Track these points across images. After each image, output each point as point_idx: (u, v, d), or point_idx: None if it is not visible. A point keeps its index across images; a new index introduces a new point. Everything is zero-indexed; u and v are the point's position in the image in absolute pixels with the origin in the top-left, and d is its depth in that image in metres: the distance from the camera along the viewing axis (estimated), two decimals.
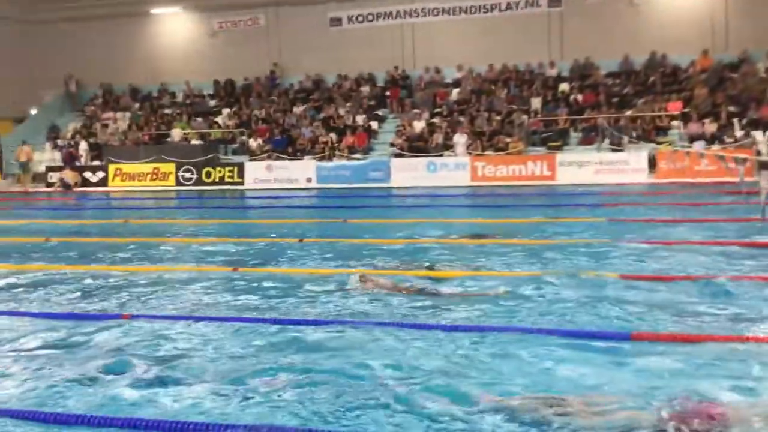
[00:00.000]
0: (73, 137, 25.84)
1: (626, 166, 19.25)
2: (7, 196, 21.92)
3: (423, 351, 5.31)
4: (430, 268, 8.32)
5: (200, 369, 5.24)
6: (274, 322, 6.42)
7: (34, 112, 29.10)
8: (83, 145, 24.49)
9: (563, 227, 11.30)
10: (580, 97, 22.66)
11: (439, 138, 21.67)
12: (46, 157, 24.98)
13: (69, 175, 23.00)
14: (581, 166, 19.55)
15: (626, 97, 22.22)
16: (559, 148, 20.86)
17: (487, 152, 20.94)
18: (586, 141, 21.21)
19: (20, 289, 8.11)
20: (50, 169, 23.80)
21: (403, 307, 6.72)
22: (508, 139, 21.05)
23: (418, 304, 6.76)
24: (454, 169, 20.49)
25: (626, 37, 23.40)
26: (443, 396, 4.36)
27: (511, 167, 20.14)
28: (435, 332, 5.77)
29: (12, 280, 8.64)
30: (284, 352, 5.61)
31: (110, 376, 5.26)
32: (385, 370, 4.91)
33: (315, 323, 6.31)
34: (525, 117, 21.92)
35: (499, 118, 22.20)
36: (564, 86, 23.35)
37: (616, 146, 20.13)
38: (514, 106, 22.60)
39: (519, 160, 20.23)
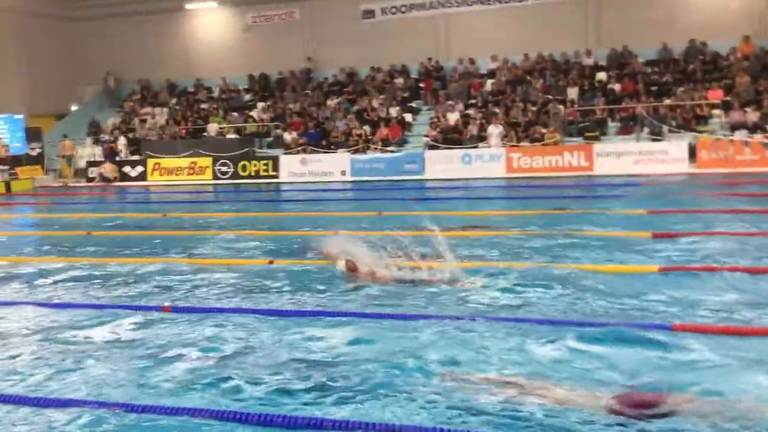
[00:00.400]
0: (112, 132, 26.33)
1: (666, 156, 18.87)
2: (50, 191, 22.46)
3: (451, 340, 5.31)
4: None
5: (238, 360, 5.31)
6: (312, 314, 6.48)
7: (74, 108, 29.72)
8: (122, 140, 24.93)
9: (601, 218, 11.13)
10: (617, 87, 22.27)
11: (473, 129, 21.53)
12: (86, 152, 25.49)
13: (108, 170, 23.47)
14: (619, 157, 19.23)
15: (665, 86, 21.76)
16: (596, 138, 20.55)
17: (522, 143, 20.74)
18: (624, 131, 20.85)
19: (64, 282, 8.32)
20: (91, 164, 24.30)
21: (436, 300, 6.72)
22: (544, 130, 20.81)
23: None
24: (489, 161, 20.34)
25: (665, 24, 22.89)
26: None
27: (547, 158, 19.91)
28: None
29: (56, 272, 8.86)
30: (318, 344, 5.66)
31: (151, 366, 5.37)
32: (430, 363, 4.92)
33: (349, 315, 6.35)
34: (561, 107, 21.64)
35: (534, 108, 21.95)
36: (601, 75, 22.97)
37: (656, 136, 19.75)
38: (550, 96, 22.32)
39: (555, 151, 19.98)
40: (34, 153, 25.46)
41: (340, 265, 7.39)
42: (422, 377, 4.62)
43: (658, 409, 3.84)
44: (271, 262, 8.84)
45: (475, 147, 20.90)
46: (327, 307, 6.76)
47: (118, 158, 24.32)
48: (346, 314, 6.32)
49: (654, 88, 21.71)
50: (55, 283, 8.32)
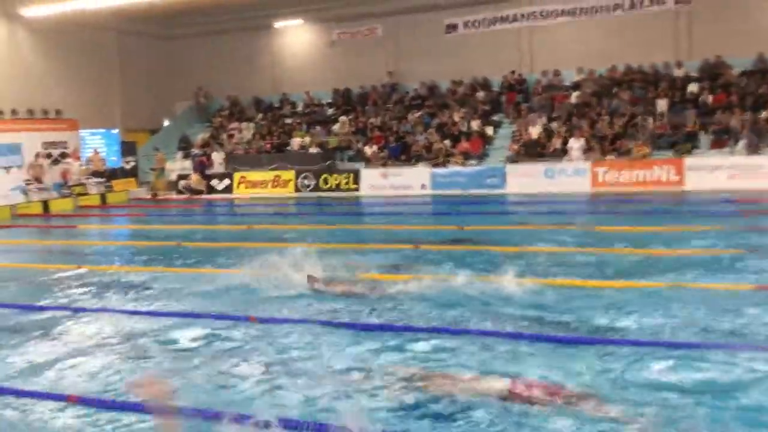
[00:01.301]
0: (202, 147, 27.31)
1: (763, 171, 17.90)
2: (143, 203, 23.48)
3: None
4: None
5: (318, 370, 5.36)
6: (391, 329, 6.48)
7: (167, 123, 31.05)
8: (217, 156, 25.51)
9: (694, 236, 10.66)
10: (710, 98, 21.33)
11: (557, 143, 21.10)
12: (177, 166, 26.50)
13: (195, 181, 24.35)
14: (713, 171, 18.38)
15: (762, 98, 20.67)
16: (687, 152, 19.72)
17: (608, 157, 20.15)
18: (717, 144, 19.93)
19: (156, 291, 8.65)
20: (181, 177, 25.25)
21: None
22: (631, 144, 20.16)
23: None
24: (573, 175, 19.86)
25: (760, 33, 21.80)
26: None
27: (635, 173, 19.25)
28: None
29: (149, 282, 9.23)
30: (395, 357, 5.64)
31: (237, 374, 5.49)
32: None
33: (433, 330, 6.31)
34: (650, 120, 20.90)
35: (621, 121, 21.30)
36: (693, 87, 22.07)
37: (753, 149, 18.77)
38: (639, 109, 21.62)
39: (644, 165, 19.31)
40: (128, 166, 26.72)
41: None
42: None
43: (549, 398, 4.48)
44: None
45: (559, 161, 20.46)
46: (405, 322, 6.75)
47: (207, 172, 25.17)
48: (421, 328, 6.29)
49: (750, 100, 20.66)
50: (147, 291, 8.67)
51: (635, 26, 23.31)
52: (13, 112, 23.83)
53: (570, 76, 24.26)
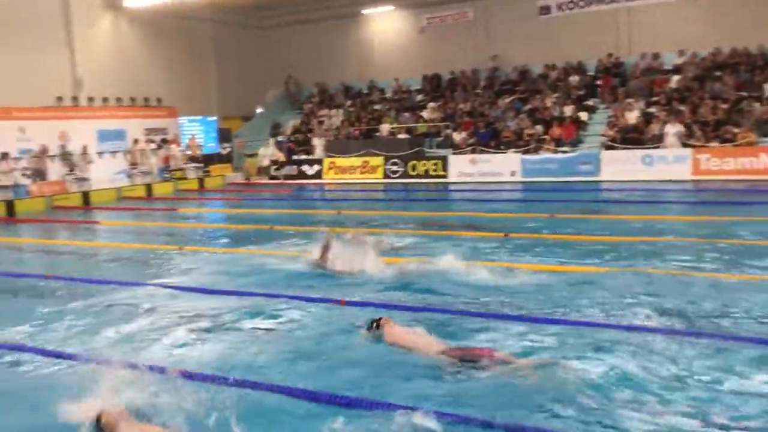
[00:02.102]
0: (292, 133, 27.88)
1: None
2: (238, 187, 24.24)
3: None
4: None
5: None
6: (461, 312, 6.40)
7: (259, 110, 31.87)
8: (318, 141, 25.79)
9: None
10: None
11: (655, 129, 20.22)
12: (269, 152, 27.14)
13: (278, 155, 25.33)
14: None
15: None
16: None
17: (711, 143, 19.14)
18: None
19: (249, 272, 8.90)
20: (273, 162, 25.87)
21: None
22: (736, 130, 19.06)
23: None
24: (673, 162, 19.00)
25: None
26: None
27: (740, 160, 18.22)
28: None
29: (243, 263, 9.51)
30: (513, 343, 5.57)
31: (324, 356, 5.58)
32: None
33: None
34: (756, 105, 19.69)
35: (725, 106, 20.17)
36: None
37: None
38: (744, 93, 20.39)
39: (750, 152, 18.24)
40: (224, 152, 27.63)
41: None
42: None
43: (479, 359, 5.01)
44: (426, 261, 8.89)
45: (657, 147, 19.62)
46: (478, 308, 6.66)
47: (295, 157, 25.68)
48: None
49: None
50: (241, 272, 8.94)
51: (742, 6, 21.98)
52: (118, 99, 25.07)
53: (670, 59, 23.15)
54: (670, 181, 18.06)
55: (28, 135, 21.16)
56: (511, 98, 24.60)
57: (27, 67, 22.20)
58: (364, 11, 29.23)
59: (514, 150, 21.77)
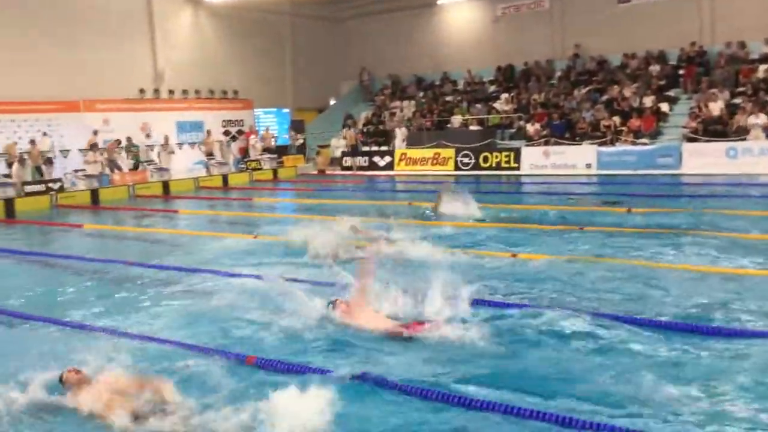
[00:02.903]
0: (364, 125, 28.06)
1: None
2: (310, 178, 24.58)
3: None
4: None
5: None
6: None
7: (333, 102, 32.20)
8: (400, 133, 25.79)
9: None
10: None
11: (740, 120, 19.29)
12: (341, 143, 27.43)
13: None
14: None
15: None
16: None
17: None
18: None
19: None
20: (344, 154, 26.11)
21: None
22: None
23: None
24: (759, 155, 18.10)
25: None
26: None
27: None
28: None
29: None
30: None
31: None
32: None
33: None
34: None
35: None
36: None
37: None
38: None
39: None
40: (297, 143, 28.09)
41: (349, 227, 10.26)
42: None
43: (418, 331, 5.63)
44: (514, 256, 8.79)
45: (743, 140, 18.73)
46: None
47: (364, 148, 25.85)
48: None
49: None
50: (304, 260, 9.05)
51: None
52: (197, 92, 25.83)
53: (757, 48, 22.00)
54: (757, 174, 17.21)
55: (112, 126, 22.08)
56: (588, 89, 23.97)
57: (111, 60, 23.13)
58: (439, 1, 29.06)
59: (589, 141, 21.22)
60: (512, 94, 25.75)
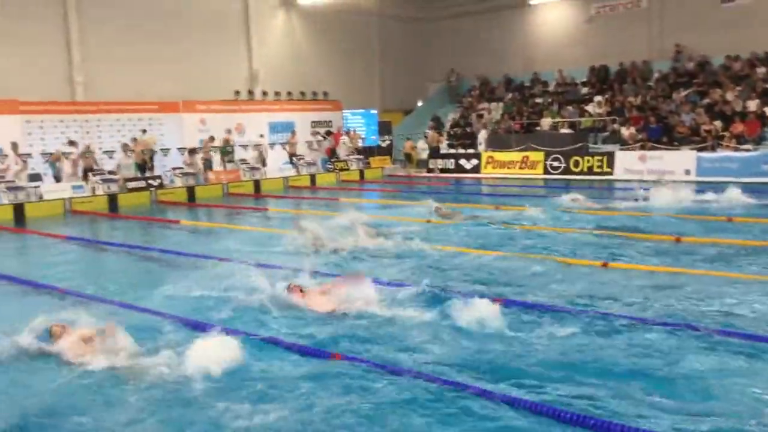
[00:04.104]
0: (452, 127, 27.91)
1: None
2: (396, 179, 24.66)
3: None
4: None
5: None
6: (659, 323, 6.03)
7: (420, 104, 32.21)
8: (483, 134, 25.70)
9: None
10: None
11: None
12: (424, 145, 27.32)
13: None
14: None
15: None
16: None
17: None
18: None
19: (390, 262, 9.00)
20: (430, 156, 26.04)
21: None
22: None
23: None
24: None
25: None
26: None
27: None
28: None
29: (403, 254, 9.63)
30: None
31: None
32: None
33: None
34: None
35: None
36: None
37: None
38: None
39: None
40: (384, 144, 28.25)
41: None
42: None
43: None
44: (604, 265, 8.51)
45: None
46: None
47: (452, 150, 25.70)
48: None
49: None
50: (387, 261, 9.08)
51: None
52: (289, 93, 26.42)
53: None
54: None
55: (208, 126, 22.89)
56: (687, 91, 22.94)
57: (210, 63, 24.05)
58: (532, 2, 28.57)
59: (689, 147, 20.30)
60: (606, 96, 24.98)
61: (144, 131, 21.33)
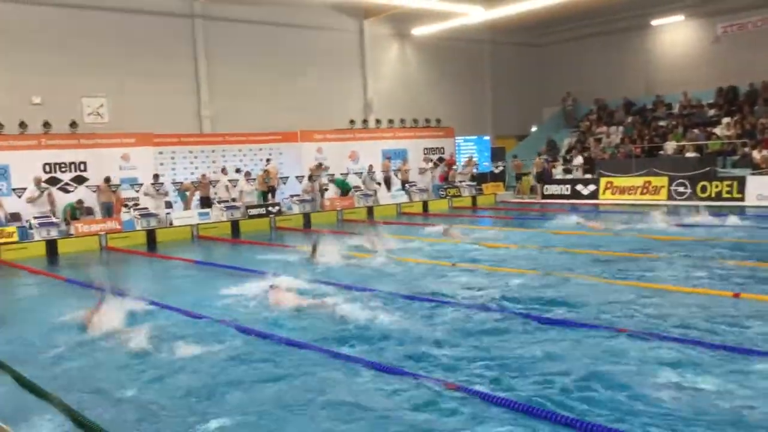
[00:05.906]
0: (568, 152, 27.22)
1: None
2: (508, 205, 24.29)
3: None
4: None
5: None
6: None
7: (534, 129, 31.69)
8: (579, 159, 25.31)
9: None
10: None
11: None
12: (534, 170, 26.70)
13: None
14: None
15: None
16: None
17: None
18: None
19: (484, 285, 8.83)
20: (538, 180, 25.40)
21: None
22: None
23: None
24: None
25: None
26: None
27: None
28: None
29: (499, 281, 9.46)
30: None
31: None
32: None
33: None
34: None
35: None
36: None
37: None
38: None
39: None
40: (497, 171, 27.97)
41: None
42: None
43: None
44: (736, 296, 7.97)
45: None
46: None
47: (563, 176, 25.02)
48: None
49: None
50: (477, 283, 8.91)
51: None
52: (402, 121, 26.80)
53: None
54: None
55: (324, 155, 23.60)
56: None
57: (327, 94, 24.94)
58: (654, 22, 27.60)
59: None
60: (735, 118, 23.56)
61: (268, 160, 22.27)
